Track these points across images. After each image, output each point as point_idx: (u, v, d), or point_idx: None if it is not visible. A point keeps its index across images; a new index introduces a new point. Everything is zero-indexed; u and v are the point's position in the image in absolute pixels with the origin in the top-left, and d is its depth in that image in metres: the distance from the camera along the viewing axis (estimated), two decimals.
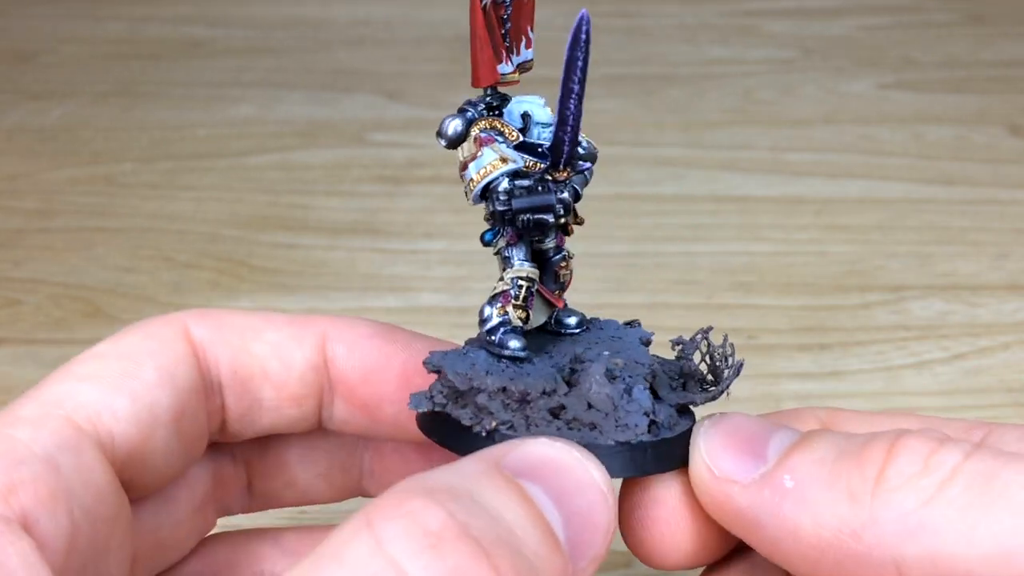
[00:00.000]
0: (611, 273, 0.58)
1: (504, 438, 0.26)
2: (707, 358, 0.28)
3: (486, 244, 0.29)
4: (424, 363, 0.27)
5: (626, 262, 0.59)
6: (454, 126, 0.28)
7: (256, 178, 0.69)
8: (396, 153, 0.72)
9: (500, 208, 0.28)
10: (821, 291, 0.57)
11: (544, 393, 0.26)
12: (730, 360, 0.28)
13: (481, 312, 0.28)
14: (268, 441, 0.32)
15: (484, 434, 0.26)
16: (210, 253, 0.61)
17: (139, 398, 0.27)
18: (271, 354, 0.30)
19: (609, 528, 0.23)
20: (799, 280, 0.58)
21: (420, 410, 0.27)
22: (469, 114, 0.28)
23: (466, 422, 0.26)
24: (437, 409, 0.27)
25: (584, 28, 0.26)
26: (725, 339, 0.28)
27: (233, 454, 0.32)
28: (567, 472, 0.23)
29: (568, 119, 0.27)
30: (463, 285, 0.57)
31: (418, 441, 0.30)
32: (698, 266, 0.59)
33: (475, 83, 0.28)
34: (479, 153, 0.28)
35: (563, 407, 0.26)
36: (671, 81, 0.81)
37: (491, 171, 0.28)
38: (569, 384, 0.27)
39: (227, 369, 0.29)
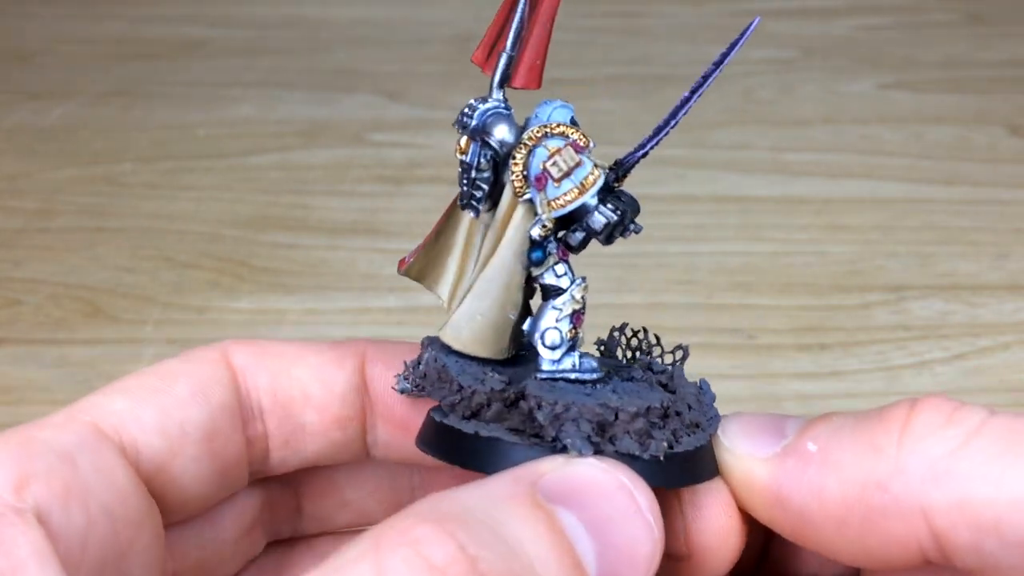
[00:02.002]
0: (611, 273, 0.58)
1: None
2: (627, 351, 0.29)
3: (537, 264, 0.26)
4: (545, 405, 0.25)
5: (626, 262, 0.59)
6: (512, 133, 0.26)
7: (256, 178, 0.69)
8: (396, 153, 0.72)
9: (616, 218, 0.26)
10: (821, 291, 0.57)
11: (672, 403, 0.26)
12: (655, 349, 0.28)
13: (544, 337, 0.26)
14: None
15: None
16: (210, 253, 0.61)
17: (168, 412, 0.27)
18: (312, 377, 0.29)
19: (651, 563, 0.22)
20: (799, 280, 0.58)
21: (586, 454, 0.24)
22: (509, 116, 0.26)
23: (637, 452, 0.24)
24: (591, 447, 0.24)
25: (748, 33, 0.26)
26: (645, 331, 0.28)
27: (282, 476, 0.31)
28: (609, 499, 0.22)
29: (678, 122, 0.26)
30: None
31: None
32: (698, 266, 0.59)
33: (529, 84, 0.26)
34: (581, 162, 0.26)
35: (679, 412, 0.26)
36: (671, 81, 0.81)
37: (594, 181, 0.26)
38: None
39: (267, 393, 0.29)
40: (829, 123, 0.76)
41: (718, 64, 0.27)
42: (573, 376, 0.26)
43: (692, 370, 0.55)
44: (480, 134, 0.26)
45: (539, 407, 0.25)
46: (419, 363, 0.27)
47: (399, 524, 0.20)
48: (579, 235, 0.26)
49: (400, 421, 0.29)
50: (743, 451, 0.25)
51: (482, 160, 0.26)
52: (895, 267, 0.59)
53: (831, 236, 0.62)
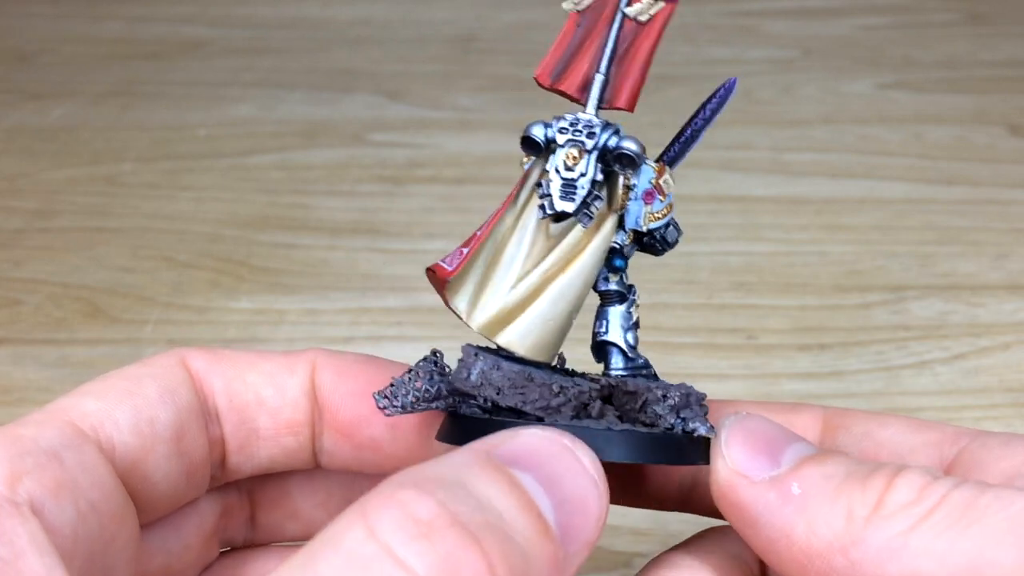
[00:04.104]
0: None
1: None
2: None
3: (616, 271, 0.29)
4: (671, 396, 0.27)
5: None
6: (640, 148, 0.28)
7: (256, 178, 0.69)
8: (396, 153, 0.72)
9: (682, 232, 0.29)
10: (821, 291, 0.57)
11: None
12: None
13: (628, 338, 0.29)
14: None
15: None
16: (210, 253, 0.61)
17: (140, 412, 0.28)
18: (265, 382, 0.30)
19: (600, 513, 0.24)
20: (799, 280, 0.58)
21: (712, 435, 0.26)
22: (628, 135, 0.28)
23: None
24: (713, 429, 0.27)
25: (731, 94, 0.28)
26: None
27: (238, 483, 0.32)
28: (557, 459, 0.24)
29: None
30: None
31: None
32: (698, 266, 0.59)
33: (630, 107, 0.28)
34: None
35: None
36: (671, 81, 0.81)
37: (673, 200, 0.28)
38: None
39: (223, 397, 0.30)
40: (829, 123, 0.76)
41: (708, 119, 0.29)
42: (645, 372, 0.28)
43: (692, 370, 0.55)
44: (610, 150, 0.27)
45: (664, 398, 0.27)
46: (430, 376, 0.28)
47: (381, 491, 0.21)
48: (634, 247, 0.29)
49: (341, 424, 0.30)
50: (735, 465, 0.26)
51: (599, 172, 0.27)
52: (895, 267, 0.59)
53: (831, 236, 0.62)
